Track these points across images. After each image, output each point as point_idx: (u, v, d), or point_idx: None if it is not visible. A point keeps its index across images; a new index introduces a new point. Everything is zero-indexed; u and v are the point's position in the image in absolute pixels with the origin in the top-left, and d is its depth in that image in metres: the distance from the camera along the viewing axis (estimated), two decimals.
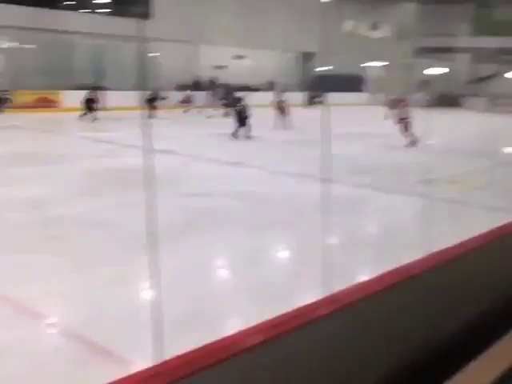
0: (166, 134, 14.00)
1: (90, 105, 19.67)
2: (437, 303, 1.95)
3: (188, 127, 19.17)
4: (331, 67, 32.78)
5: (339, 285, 2.43)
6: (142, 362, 2.82)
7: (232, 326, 4.01)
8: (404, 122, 14.44)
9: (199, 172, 10.69)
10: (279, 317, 2.12)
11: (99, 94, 21.03)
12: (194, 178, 10.01)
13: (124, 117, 21.35)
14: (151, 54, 26.56)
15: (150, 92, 21.80)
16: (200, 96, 26.24)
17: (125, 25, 22.23)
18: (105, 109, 23.02)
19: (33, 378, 3.39)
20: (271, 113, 18.17)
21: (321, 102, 29.45)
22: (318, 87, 31.94)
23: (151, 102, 21.29)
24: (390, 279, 2.15)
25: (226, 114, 21.98)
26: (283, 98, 18.55)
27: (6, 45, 24.34)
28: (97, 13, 27.05)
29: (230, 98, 22.51)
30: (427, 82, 33.76)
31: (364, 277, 3.12)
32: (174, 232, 6.11)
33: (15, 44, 24.74)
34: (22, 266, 5.20)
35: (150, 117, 19.77)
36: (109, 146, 13.74)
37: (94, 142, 14.69)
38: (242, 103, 16.24)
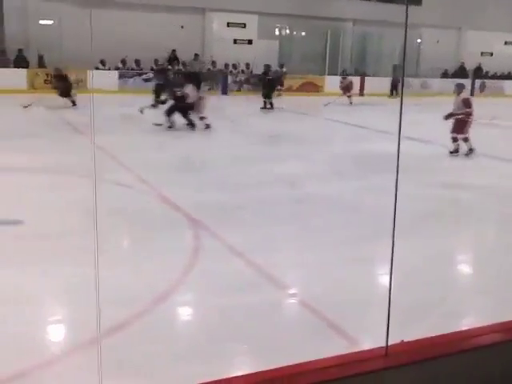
0: (415, 121, 13.56)
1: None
2: None
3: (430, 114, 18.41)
4: None
5: None
6: (370, 342, 2.87)
7: (465, 322, 3.84)
8: None
9: (446, 162, 10.31)
10: None
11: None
12: (442, 167, 9.75)
13: (378, 103, 21.46)
14: (417, 41, 26.03)
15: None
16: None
17: (393, 11, 22.13)
18: (362, 94, 23.45)
19: (272, 338, 3.70)
20: None
21: None
22: None
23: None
24: None
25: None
26: None
27: (279, 32, 26.07)
28: (366, 0, 27.39)
29: None
30: None
31: None
32: (417, 220, 6.02)
33: (287, 31, 26.36)
34: (272, 238, 5.65)
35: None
36: (360, 131, 13.94)
37: (346, 126, 15.05)
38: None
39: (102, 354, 2.73)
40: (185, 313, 4.27)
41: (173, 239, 5.50)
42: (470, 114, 10.53)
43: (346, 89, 20.66)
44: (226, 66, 23.64)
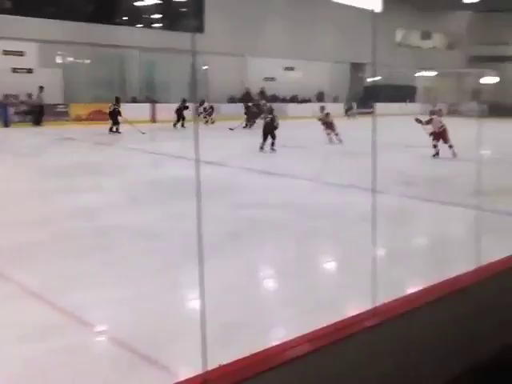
0: (212, 145, 14.08)
1: (113, 118, 20.10)
2: (487, 317, 1.88)
3: (230, 138, 19.33)
4: (380, 78, 32.48)
5: (386, 297, 2.40)
6: (186, 371, 2.83)
7: (276, 337, 3.99)
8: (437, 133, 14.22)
9: (245, 183, 10.77)
10: (323, 328, 2.10)
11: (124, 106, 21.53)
12: (241, 188, 10.09)
13: (174, 128, 21.85)
14: (203, 67, 26.95)
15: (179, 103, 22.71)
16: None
17: (177, 39, 22.66)
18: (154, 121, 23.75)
19: (83, 382, 3.46)
20: (318, 126, 17.98)
21: (355, 114, 29.60)
22: (368, 98, 31.67)
23: (180, 111, 22.38)
24: (437, 292, 2.10)
25: (250, 126, 22.54)
26: (328, 112, 17.83)
27: (61, 60, 25.15)
28: (149, 27, 27.70)
29: (251, 110, 23.18)
30: (479, 91, 33.08)
31: (411, 289, 3.08)
32: (222, 242, 6.15)
33: (71, 59, 25.54)
34: (71, 275, 5.32)
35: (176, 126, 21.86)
36: (158, 157, 13.98)
37: (144, 154, 14.99)
38: (272, 115, 15.47)
39: None
40: None
41: None
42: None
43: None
44: (6, 96, 22.12)
